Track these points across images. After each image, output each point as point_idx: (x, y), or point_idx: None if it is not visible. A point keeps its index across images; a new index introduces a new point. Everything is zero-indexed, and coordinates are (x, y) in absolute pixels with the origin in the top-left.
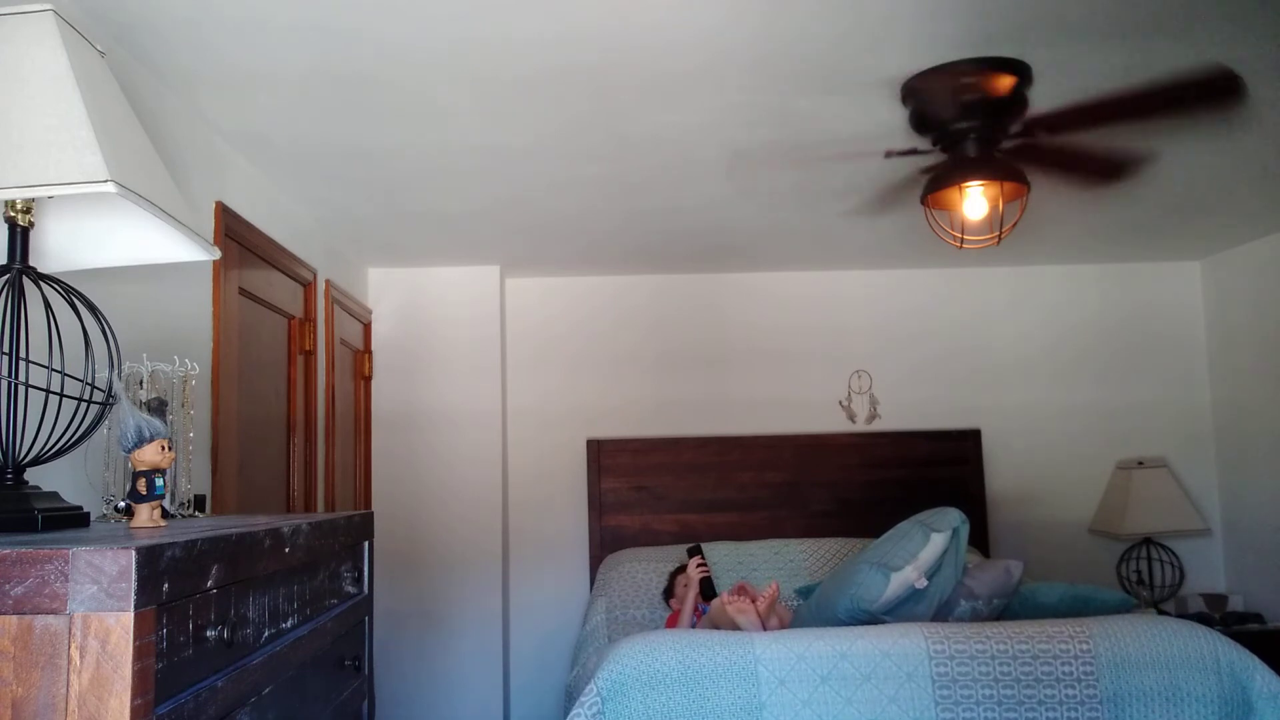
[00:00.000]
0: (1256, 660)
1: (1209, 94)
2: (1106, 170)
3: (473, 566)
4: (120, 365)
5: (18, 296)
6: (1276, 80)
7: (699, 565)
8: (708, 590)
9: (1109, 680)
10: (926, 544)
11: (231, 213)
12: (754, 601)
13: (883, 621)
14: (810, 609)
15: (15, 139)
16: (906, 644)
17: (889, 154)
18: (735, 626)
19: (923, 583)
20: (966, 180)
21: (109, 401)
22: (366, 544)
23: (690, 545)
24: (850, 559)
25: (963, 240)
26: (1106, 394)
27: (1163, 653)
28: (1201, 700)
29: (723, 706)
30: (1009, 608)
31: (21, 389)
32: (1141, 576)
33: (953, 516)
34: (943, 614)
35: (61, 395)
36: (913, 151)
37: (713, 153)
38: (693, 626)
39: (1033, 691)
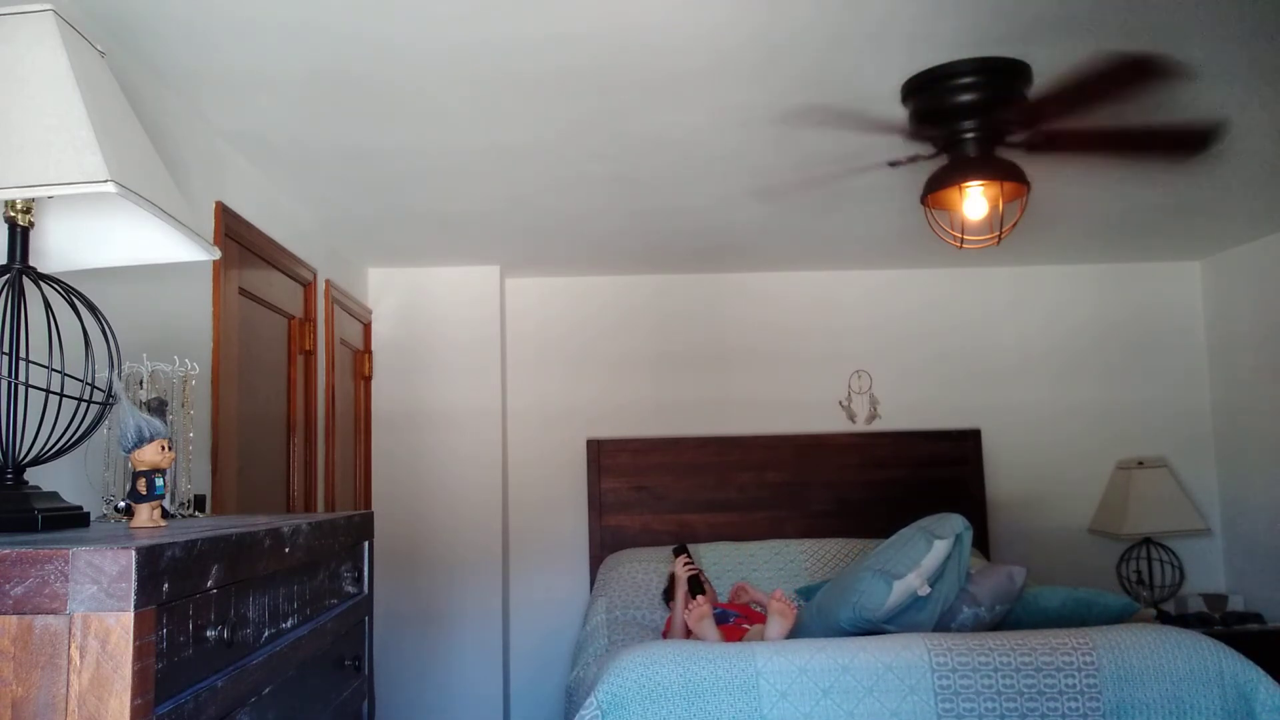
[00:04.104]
0: (1261, 672)
1: (1185, 144)
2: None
3: (473, 566)
4: (120, 365)
5: (18, 296)
6: (1276, 81)
7: (685, 564)
8: (695, 588)
9: (1112, 693)
10: (929, 551)
11: (231, 213)
12: (747, 603)
13: (885, 630)
14: (811, 614)
15: (15, 139)
16: (909, 656)
17: (893, 164)
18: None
19: (926, 590)
20: (966, 180)
21: (109, 401)
22: (366, 544)
23: (675, 545)
24: (852, 566)
25: (963, 240)
26: (1106, 394)
27: (1166, 665)
28: (1205, 713)
29: None
30: (1012, 613)
31: (21, 389)
32: (1141, 576)
33: (955, 523)
34: (945, 620)
35: (61, 395)
36: (915, 159)
37: (713, 153)
38: (686, 629)
39: (1035, 704)
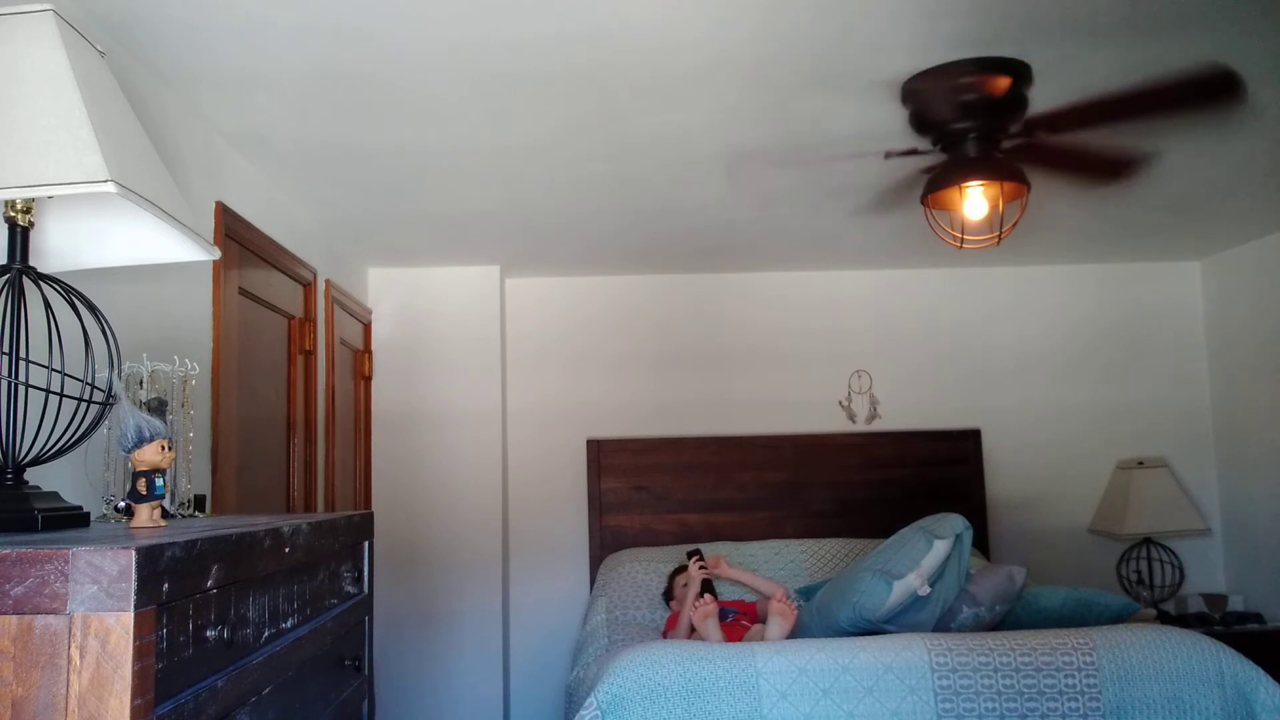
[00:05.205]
0: (1260, 672)
1: (1208, 93)
2: (1110, 168)
3: (473, 566)
4: (120, 365)
5: (18, 296)
6: (1275, 80)
7: (700, 566)
8: (708, 590)
9: (1112, 692)
10: (929, 551)
11: (231, 213)
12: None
13: (885, 630)
14: (811, 614)
15: (15, 139)
16: (909, 656)
17: (889, 154)
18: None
19: (926, 590)
20: (966, 180)
21: (109, 401)
22: (366, 544)
23: (690, 548)
24: (852, 566)
25: (963, 240)
26: (1106, 394)
27: (1166, 664)
28: (1205, 713)
29: None
30: (1012, 613)
31: (21, 389)
32: (1141, 576)
33: (955, 523)
34: (945, 620)
35: (61, 395)
36: (912, 152)
37: (713, 153)
38: (691, 628)
39: (1035, 704)
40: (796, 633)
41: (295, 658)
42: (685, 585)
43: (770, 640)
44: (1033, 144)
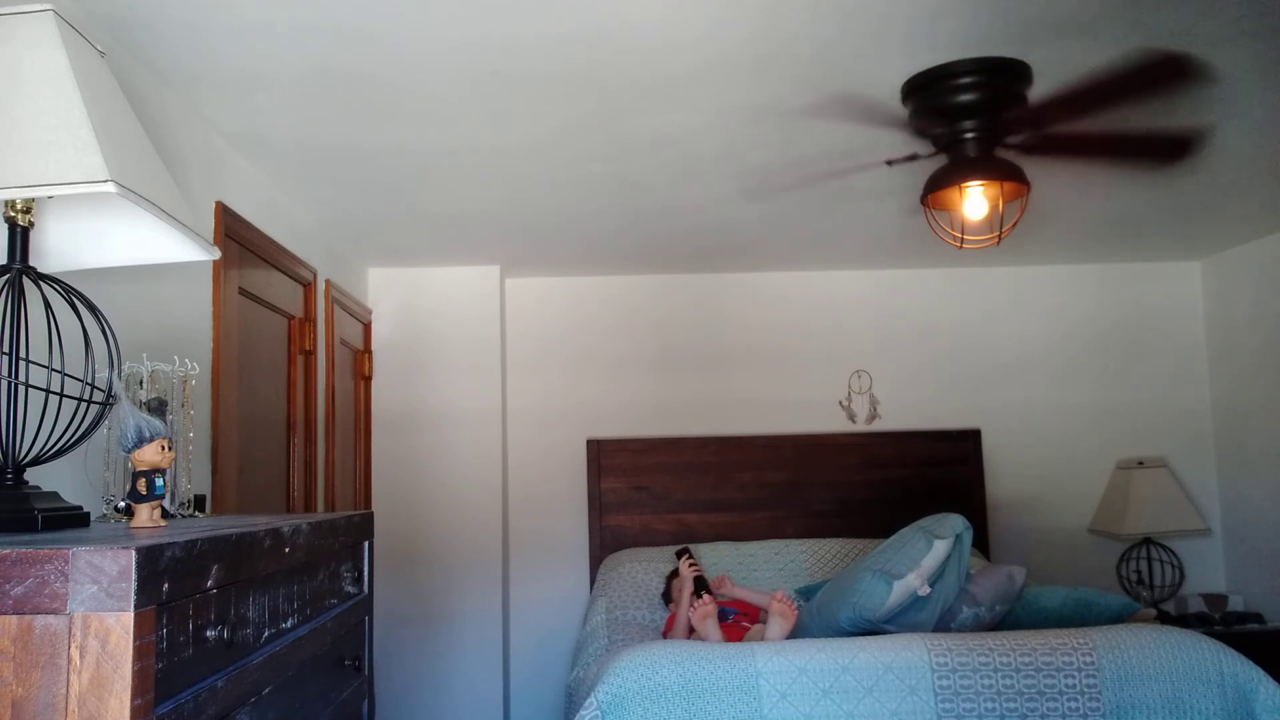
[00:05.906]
0: (1260, 672)
1: (1164, 78)
2: (1165, 150)
3: (473, 566)
4: (120, 365)
5: (18, 296)
6: (1275, 81)
7: (690, 564)
8: (701, 589)
9: (1112, 692)
10: (929, 551)
11: (231, 213)
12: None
13: (885, 630)
14: (811, 614)
15: (15, 139)
16: (909, 656)
17: (890, 162)
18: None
19: (926, 590)
20: (966, 180)
21: (109, 401)
22: (366, 544)
23: (678, 547)
24: (852, 566)
25: (963, 240)
26: (1106, 394)
27: (1166, 665)
28: (1204, 713)
29: None
30: (1012, 613)
31: (21, 389)
32: (1141, 576)
33: (955, 523)
34: (945, 620)
35: (61, 395)
36: (913, 158)
37: (713, 153)
38: (689, 628)
39: (1035, 704)
40: (796, 633)
41: (295, 658)
42: (681, 588)
43: (770, 640)
44: (1062, 134)
